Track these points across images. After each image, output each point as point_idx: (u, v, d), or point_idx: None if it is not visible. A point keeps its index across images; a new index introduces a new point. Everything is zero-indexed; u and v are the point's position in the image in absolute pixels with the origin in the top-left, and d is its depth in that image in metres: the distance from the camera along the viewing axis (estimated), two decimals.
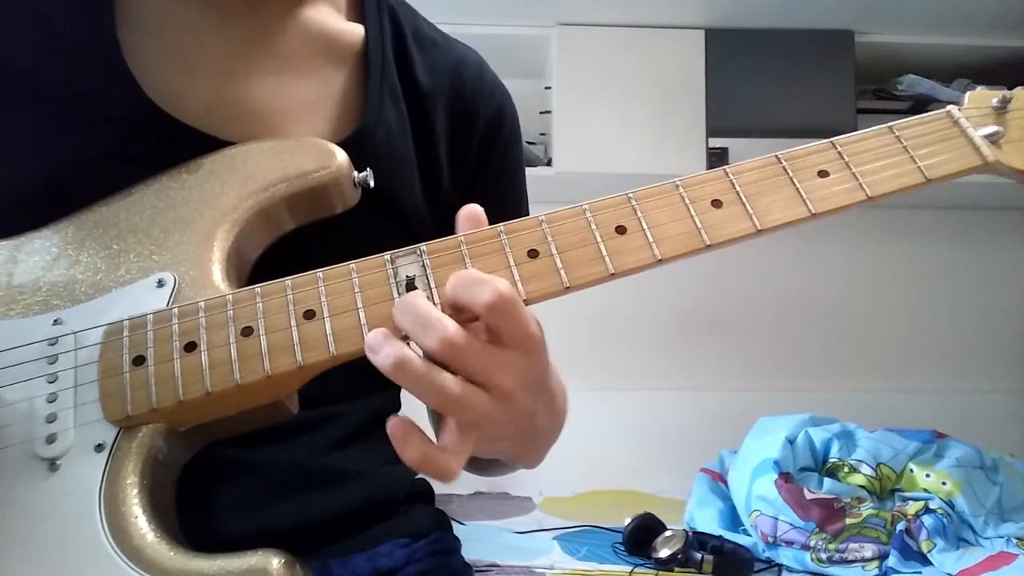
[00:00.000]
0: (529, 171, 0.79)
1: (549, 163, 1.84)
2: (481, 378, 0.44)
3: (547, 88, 1.88)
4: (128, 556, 0.44)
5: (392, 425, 0.44)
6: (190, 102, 0.58)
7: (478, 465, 0.69)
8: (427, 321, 0.44)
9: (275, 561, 0.44)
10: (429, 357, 0.44)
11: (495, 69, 0.75)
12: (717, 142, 1.81)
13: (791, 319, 2.06)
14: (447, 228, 0.51)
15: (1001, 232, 2.10)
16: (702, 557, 1.24)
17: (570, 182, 1.81)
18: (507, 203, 0.73)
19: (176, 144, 0.57)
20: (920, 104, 1.85)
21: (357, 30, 0.66)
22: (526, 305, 0.48)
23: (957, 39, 1.87)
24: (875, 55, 1.88)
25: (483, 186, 0.71)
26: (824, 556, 1.30)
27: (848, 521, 1.32)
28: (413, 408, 0.81)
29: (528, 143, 1.83)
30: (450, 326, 0.43)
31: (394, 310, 0.45)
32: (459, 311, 0.46)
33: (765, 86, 1.84)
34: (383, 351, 0.43)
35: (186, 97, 0.58)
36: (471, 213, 0.50)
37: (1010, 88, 0.56)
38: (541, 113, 1.88)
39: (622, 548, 1.37)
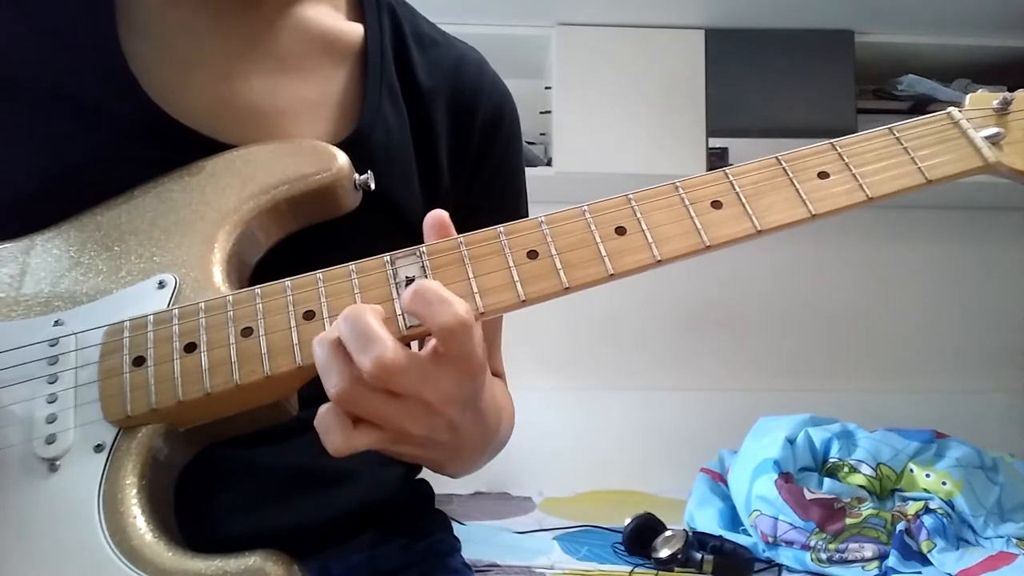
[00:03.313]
0: (529, 171, 0.79)
1: (549, 163, 1.84)
2: (411, 392, 0.44)
3: (547, 88, 1.88)
4: (127, 556, 0.44)
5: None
6: (190, 104, 0.58)
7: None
8: (368, 338, 0.43)
9: (272, 562, 0.44)
10: None
11: (495, 69, 0.74)
12: (717, 142, 1.81)
13: (791, 319, 2.06)
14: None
15: (1001, 232, 2.09)
16: (702, 557, 1.24)
17: (570, 182, 1.81)
18: (506, 202, 0.73)
19: (177, 146, 0.57)
20: (920, 104, 1.84)
21: (356, 29, 0.66)
22: (526, 306, 0.48)
23: (957, 39, 1.87)
24: (875, 55, 1.88)
25: (482, 185, 0.70)
26: (824, 556, 1.30)
27: (848, 521, 1.32)
28: None
29: (528, 143, 1.83)
30: (388, 350, 0.42)
31: (339, 318, 0.44)
32: None
33: (765, 86, 1.84)
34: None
35: (186, 99, 0.58)
36: (437, 220, 0.50)
37: (1011, 89, 0.56)
38: (541, 113, 1.88)
39: (622, 548, 1.37)
